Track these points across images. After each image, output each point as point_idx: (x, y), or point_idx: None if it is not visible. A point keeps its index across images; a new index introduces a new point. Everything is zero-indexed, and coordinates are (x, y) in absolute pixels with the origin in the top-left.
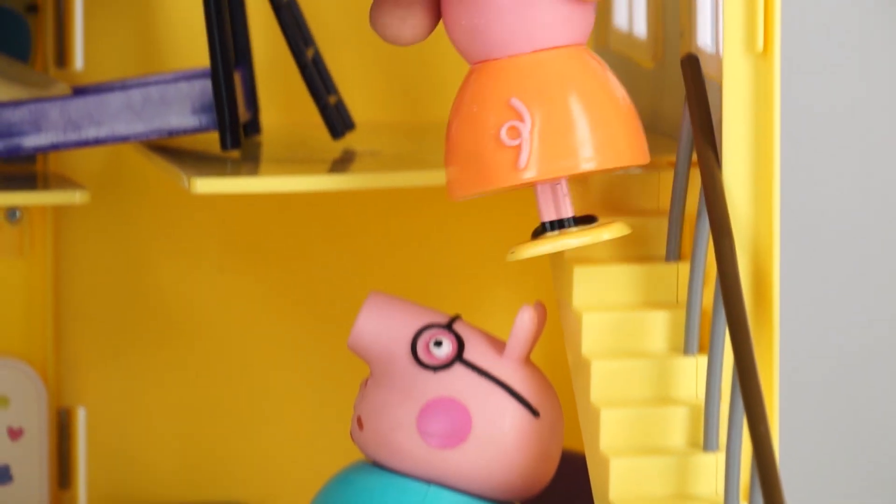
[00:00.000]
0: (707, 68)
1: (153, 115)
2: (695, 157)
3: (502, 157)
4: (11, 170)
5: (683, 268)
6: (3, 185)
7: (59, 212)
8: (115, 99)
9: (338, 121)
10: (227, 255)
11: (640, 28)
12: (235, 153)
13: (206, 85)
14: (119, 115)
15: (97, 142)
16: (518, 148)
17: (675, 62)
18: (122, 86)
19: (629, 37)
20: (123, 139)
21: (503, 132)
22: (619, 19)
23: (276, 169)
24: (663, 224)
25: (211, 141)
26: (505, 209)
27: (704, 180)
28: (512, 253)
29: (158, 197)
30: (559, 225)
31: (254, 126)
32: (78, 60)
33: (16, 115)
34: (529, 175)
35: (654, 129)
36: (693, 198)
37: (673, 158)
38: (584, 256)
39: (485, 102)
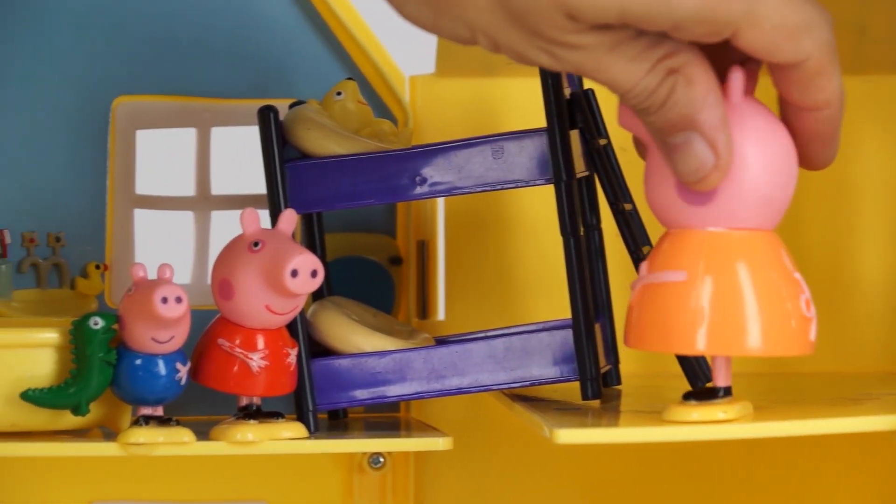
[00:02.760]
0: None
1: (515, 364)
2: None
3: (801, 327)
4: (376, 417)
5: None
6: (367, 432)
7: (420, 458)
8: (478, 349)
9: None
10: (588, 503)
11: None
12: (595, 403)
13: (568, 336)
14: (482, 365)
15: (460, 391)
16: (811, 320)
17: None
18: (485, 336)
19: None
20: (486, 388)
21: (802, 303)
22: None
23: (636, 419)
24: None
25: (570, 390)
26: (863, 466)
27: None
28: (697, 415)
29: (518, 445)
30: (725, 392)
31: (614, 376)
32: (440, 311)
33: (381, 365)
34: (810, 349)
35: None
36: None
37: None
38: None
39: (780, 271)
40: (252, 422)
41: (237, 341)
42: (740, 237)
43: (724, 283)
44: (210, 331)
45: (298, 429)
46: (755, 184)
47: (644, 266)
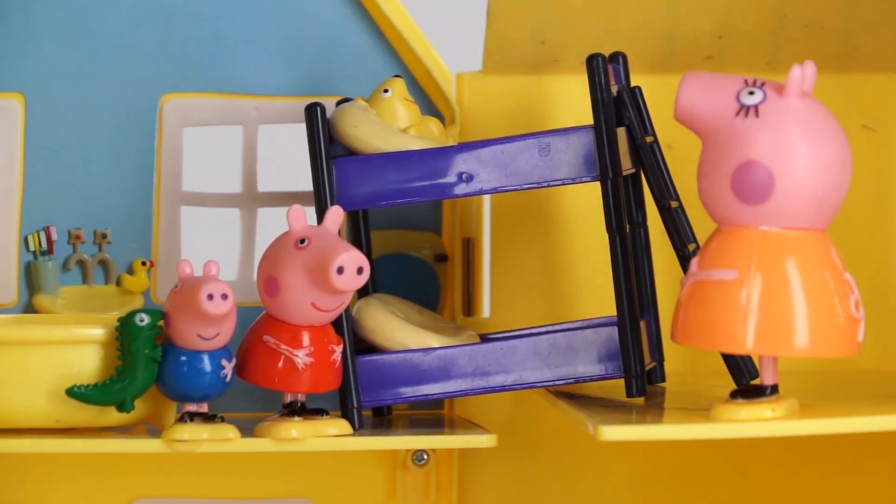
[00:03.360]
0: None
1: (560, 362)
2: None
3: (850, 329)
4: (420, 414)
5: None
6: (411, 429)
7: (464, 455)
8: (523, 346)
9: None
10: (631, 501)
11: None
12: (640, 400)
13: (613, 333)
14: (526, 363)
15: (504, 388)
16: (860, 322)
17: None
18: (530, 333)
19: None
20: (530, 386)
21: (852, 304)
22: None
23: (681, 417)
24: None
25: (615, 387)
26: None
27: None
28: (745, 413)
29: (562, 442)
30: (772, 390)
31: (658, 374)
32: (485, 309)
33: (426, 362)
34: (857, 351)
35: None
36: None
37: None
38: None
39: (831, 271)
40: (297, 419)
41: (282, 338)
42: (793, 237)
43: (775, 284)
44: (255, 328)
45: (343, 426)
46: (811, 184)
47: (694, 263)
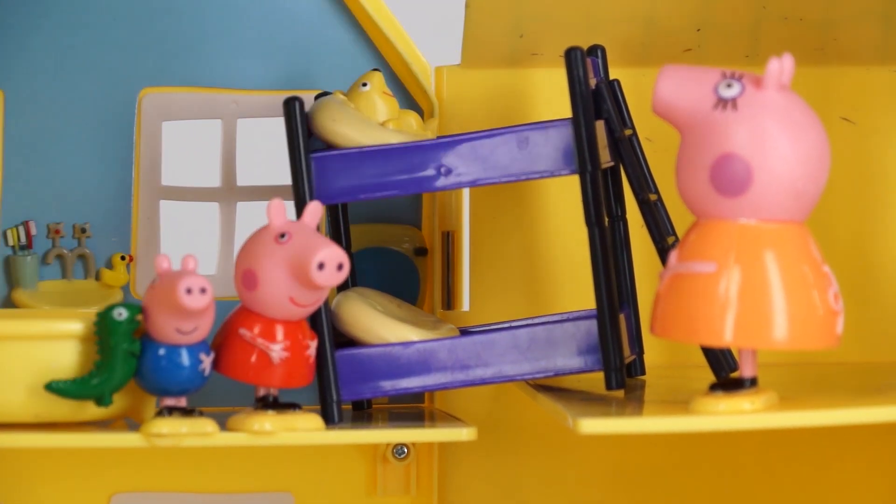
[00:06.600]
0: None
1: (539, 355)
2: None
3: (829, 321)
4: (400, 407)
5: None
6: (391, 423)
7: (444, 449)
8: (502, 339)
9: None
10: (611, 493)
11: None
12: (619, 393)
13: (592, 326)
14: (506, 356)
15: (483, 382)
16: (838, 314)
17: None
18: (510, 326)
19: None
20: (510, 379)
21: (830, 296)
22: None
23: (660, 410)
24: None
25: (594, 380)
26: (887, 455)
27: None
28: (724, 406)
29: (542, 435)
30: (751, 383)
31: (638, 367)
32: (465, 302)
33: (405, 356)
34: (836, 343)
35: None
36: None
37: None
38: None
39: (810, 264)
40: (270, 412)
41: (257, 331)
42: (772, 229)
43: (753, 276)
44: (231, 320)
45: (314, 420)
46: (790, 176)
47: (673, 255)
